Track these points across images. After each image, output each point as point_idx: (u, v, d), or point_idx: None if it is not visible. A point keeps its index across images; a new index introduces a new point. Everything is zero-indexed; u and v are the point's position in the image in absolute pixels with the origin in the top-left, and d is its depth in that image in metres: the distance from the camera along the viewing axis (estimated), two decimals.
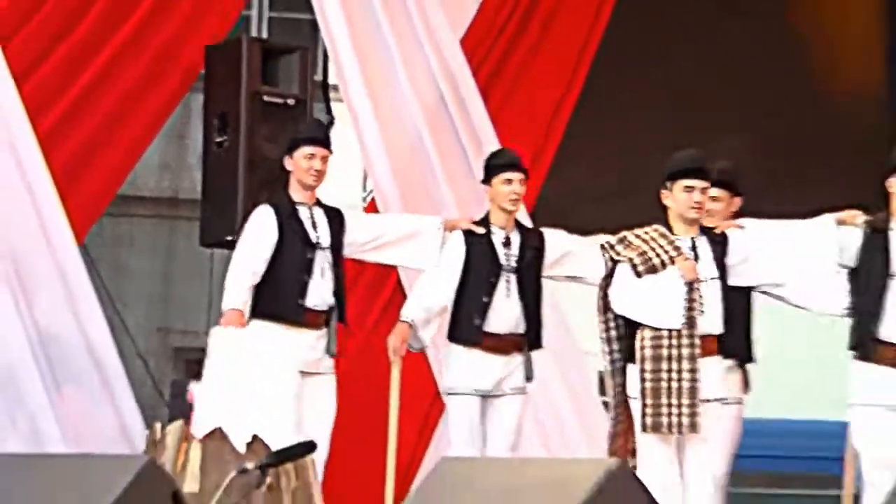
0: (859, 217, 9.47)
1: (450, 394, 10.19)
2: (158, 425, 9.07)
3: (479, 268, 9.93)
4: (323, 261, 9.90)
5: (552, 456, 11.67)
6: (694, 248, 9.17)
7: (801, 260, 9.67)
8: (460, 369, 10.07)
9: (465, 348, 10.00)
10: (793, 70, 16.41)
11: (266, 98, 11.83)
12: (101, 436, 10.41)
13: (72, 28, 11.62)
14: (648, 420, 8.91)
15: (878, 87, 17.12)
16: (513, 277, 10.01)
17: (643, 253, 9.15)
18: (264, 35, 16.04)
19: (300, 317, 9.74)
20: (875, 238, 9.07)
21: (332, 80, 13.52)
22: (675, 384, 9.07)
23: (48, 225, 10.90)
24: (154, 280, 15.96)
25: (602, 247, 9.34)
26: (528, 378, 10.24)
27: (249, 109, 11.64)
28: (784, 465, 17.27)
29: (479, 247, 10.10)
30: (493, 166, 10.39)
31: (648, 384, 9.06)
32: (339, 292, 10.02)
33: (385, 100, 12.48)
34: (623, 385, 9.25)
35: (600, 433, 10.41)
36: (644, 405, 8.98)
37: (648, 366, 9.10)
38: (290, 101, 12.10)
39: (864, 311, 9.22)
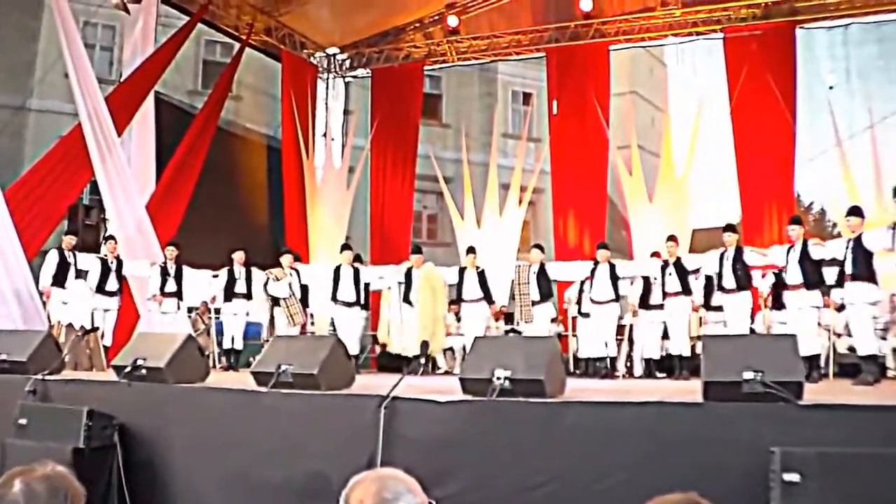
0: None
1: None
2: (51, 321, 11.66)
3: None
4: (73, 266, 12.15)
5: None
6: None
7: None
8: None
9: None
10: (229, 201, 17.11)
11: (85, 222, 13.99)
12: (35, 325, 11.07)
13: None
14: None
15: (264, 216, 18.64)
16: None
17: None
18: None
19: (65, 284, 11.99)
20: None
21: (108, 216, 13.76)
22: None
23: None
24: None
25: None
26: None
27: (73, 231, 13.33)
28: None
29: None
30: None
31: None
32: (80, 277, 12.17)
33: (123, 219, 13.16)
34: None
35: None
36: None
37: None
38: (91, 223, 14.19)
39: None
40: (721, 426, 5.16)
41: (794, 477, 4.52)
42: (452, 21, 18.70)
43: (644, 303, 12.43)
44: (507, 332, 13.97)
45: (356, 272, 13.08)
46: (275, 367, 6.57)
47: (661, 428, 5.31)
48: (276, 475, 6.09)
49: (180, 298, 12.91)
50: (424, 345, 8.05)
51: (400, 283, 12.92)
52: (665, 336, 12.33)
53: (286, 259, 13.24)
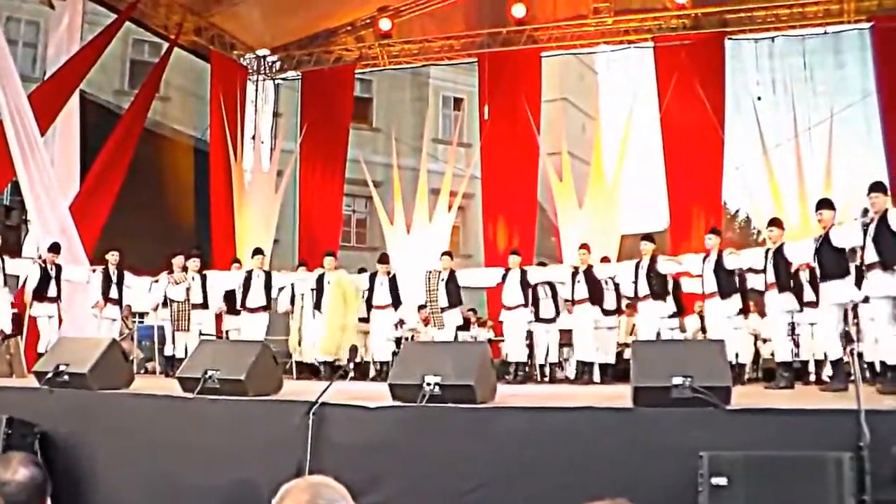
0: None
1: None
2: None
3: None
4: None
5: None
6: None
7: None
8: None
9: None
10: (155, 204, 16.85)
11: (6, 223, 13.31)
12: None
13: None
14: None
15: (190, 219, 18.06)
16: None
17: None
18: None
19: None
20: None
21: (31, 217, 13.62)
22: None
23: None
24: None
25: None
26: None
27: None
28: None
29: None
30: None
31: None
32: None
33: (46, 220, 13.16)
34: None
35: None
36: None
37: None
38: (12, 224, 13.62)
39: None
40: (650, 431, 5.22)
41: (721, 480, 4.62)
42: (384, 24, 18.74)
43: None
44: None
45: (268, 277, 12.93)
46: (201, 373, 6.50)
47: (592, 433, 5.35)
48: (202, 483, 6.01)
49: (122, 305, 12.71)
50: (353, 350, 7.98)
51: (312, 288, 12.85)
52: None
53: (191, 263, 12.92)
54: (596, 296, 11.98)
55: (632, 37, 17.67)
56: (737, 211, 27.37)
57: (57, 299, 12.12)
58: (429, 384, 5.75)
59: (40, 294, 11.93)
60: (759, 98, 16.08)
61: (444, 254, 13.23)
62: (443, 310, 12.53)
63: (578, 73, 28.15)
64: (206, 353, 6.98)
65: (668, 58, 16.72)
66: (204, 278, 12.92)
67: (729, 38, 16.69)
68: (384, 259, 13.09)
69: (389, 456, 5.66)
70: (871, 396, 6.32)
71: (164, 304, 12.81)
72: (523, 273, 12.38)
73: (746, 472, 4.62)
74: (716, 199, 16.65)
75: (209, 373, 6.45)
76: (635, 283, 11.47)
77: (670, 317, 12.05)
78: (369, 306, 12.83)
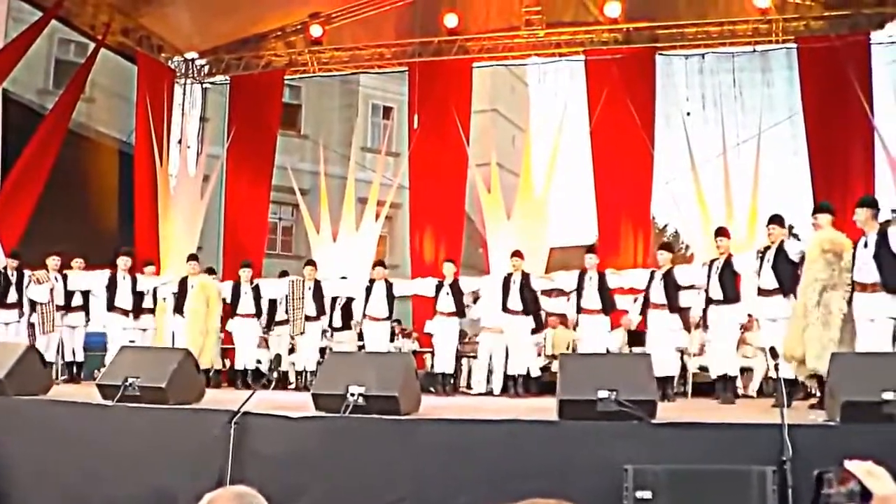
0: None
1: None
2: None
3: None
4: None
5: None
6: None
7: None
8: None
9: None
10: (77, 207, 16.32)
11: None
12: None
13: None
14: None
15: (113, 223, 17.61)
16: None
17: None
18: None
19: None
20: None
21: None
22: None
23: None
24: None
25: None
26: None
27: None
28: None
29: None
30: None
31: None
32: None
33: None
34: None
35: None
36: None
37: None
38: None
39: None
40: (576, 444, 5.29)
41: (646, 494, 4.71)
42: (315, 31, 18.53)
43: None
44: (359, 347, 13.89)
45: (134, 281, 12.65)
46: (121, 380, 6.43)
47: (516, 446, 5.40)
48: (120, 492, 5.94)
49: (87, 311, 12.63)
50: (277, 358, 7.98)
51: (174, 292, 12.79)
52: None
53: (52, 261, 12.52)
54: (460, 308, 12.06)
55: (563, 49, 17.75)
56: (665, 225, 27.67)
57: (17, 305, 11.96)
58: (353, 395, 5.77)
59: (1, 301, 11.83)
60: (688, 114, 16.25)
61: (307, 263, 13.22)
62: (308, 318, 12.53)
63: (509, 84, 28.30)
64: (126, 359, 6.90)
65: (599, 71, 16.85)
66: (65, 278, 12.62)
67: (660, 54, 16.88)
68: (248, 265, 13.05)
69: (312, 467, 5.66)
70: (795, 412, 6.43)
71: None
72: (388, 285, 12.46)
73: (671, 486, 4.71)
74: (644, 213, 16.84)
75: (129, 380, 6.40)
76: (505, 298, 11.63)
77: (533, 332, 12.17)
78: (234, 314, 12.74)
